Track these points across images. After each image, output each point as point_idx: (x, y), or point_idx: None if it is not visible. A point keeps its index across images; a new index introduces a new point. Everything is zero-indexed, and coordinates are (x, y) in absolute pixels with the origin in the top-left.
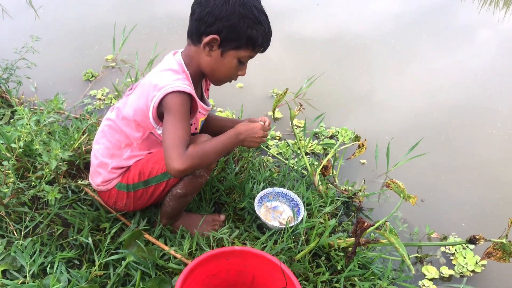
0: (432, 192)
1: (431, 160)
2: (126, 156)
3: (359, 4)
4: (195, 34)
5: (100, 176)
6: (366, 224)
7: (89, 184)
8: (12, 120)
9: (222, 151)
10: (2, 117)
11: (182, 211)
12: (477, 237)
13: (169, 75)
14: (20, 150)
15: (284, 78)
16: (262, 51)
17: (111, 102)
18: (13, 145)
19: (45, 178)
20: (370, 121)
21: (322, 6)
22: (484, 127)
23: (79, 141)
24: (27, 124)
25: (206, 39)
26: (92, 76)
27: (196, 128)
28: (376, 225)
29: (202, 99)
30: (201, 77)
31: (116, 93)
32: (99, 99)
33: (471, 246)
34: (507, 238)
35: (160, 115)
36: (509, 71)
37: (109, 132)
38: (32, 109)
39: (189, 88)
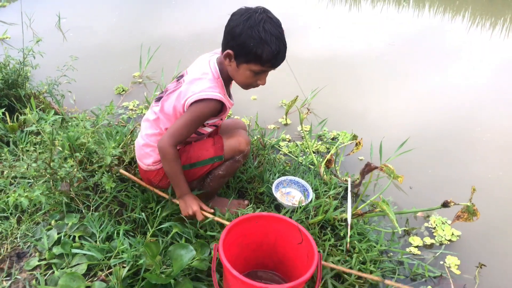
0: (420, 182)
1: (419, 157)
2: None
3: (355, 27)
4: (222, 46)
5: (151, 157)
6: (372, 165)
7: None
8: (64, 124)
9: (172, 181)
10: (54, 123)
11: (215, 194)
12: (449, 201)
13: (204, 83)
14: (89, 144)
15: (291, 92)
16: (272, 67)
17: (142, 112)
18: (83, 140)
19: (102, 169)
20: (365, 125)
21: (323, 29)
22: (466, 134)
23: (125, 141)
24: (84, 127)
25: (225, 53)
26: (123, 90)
27: (221, 119)
28: (372, 199)
29: (230, 96)
30: (230, 80)
31: (147, 104)
32: (131, 109)
33: (449, 221)
34: (470, 201)
35: None
36: (496, 87)
37: (155, 123)
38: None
39: (219, 95)
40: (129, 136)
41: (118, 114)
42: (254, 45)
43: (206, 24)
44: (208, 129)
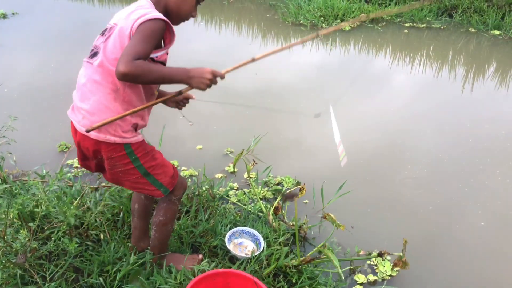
0: (360, 221)
1: (358, 197)
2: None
3: (288, 67)
4: None
5: (113, 126)
6: (291, 192)
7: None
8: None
9: (167, 77)
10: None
11: (167, 245)
12: (383, 252)
13: (145, 10)
14: (43, 213)
15: (235, 138)
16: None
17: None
18: (36, 209)
19: (59, 233)
20: (306, 166)
21: (260, 75)
22: (399, 167)
23: (76, 203)
24: (34, 194)
25: None
26: (66, 147)
27: (166, 59)
28: (318, 247)
29: None
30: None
31: None
32: (76, 167)
33: (389, 258)
34: (403, 252)
35: None
36: (420, 113)
37: (103, 76)
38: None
39: (163, 16)
40: (79, 199)
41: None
42: None
43: None
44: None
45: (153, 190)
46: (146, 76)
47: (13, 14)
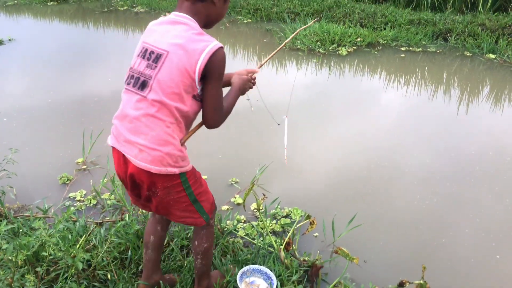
0: (373, 254)
1: (369, 228)
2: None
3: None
4: None
5: (173, 157)
6: (318, 266)
7: None
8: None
9: (234, 104)
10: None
11: (209, 270)
12: (404, 281)
13: (200, 35)
14: (50, 257)
15: (239, 167)
16: None
17: (90, 202)
18: (43, 253)
19: (69, 277)
20: (314, 195)
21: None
22: (406, 193)
23: (81, 241)
24: (41, 235)
25: None
26: (68, 179)
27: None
28: (332, 285)
29: None
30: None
31: (95, 193)
32: (79, 200)
33: None
34: (423, 279)
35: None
36: (409, 132)
37: (160, 112)
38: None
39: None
40: (84, 237)
41: (64, 206)
42: None
43: None
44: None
45: (197, 218)
46: (228, 115)
47: (9, 40)
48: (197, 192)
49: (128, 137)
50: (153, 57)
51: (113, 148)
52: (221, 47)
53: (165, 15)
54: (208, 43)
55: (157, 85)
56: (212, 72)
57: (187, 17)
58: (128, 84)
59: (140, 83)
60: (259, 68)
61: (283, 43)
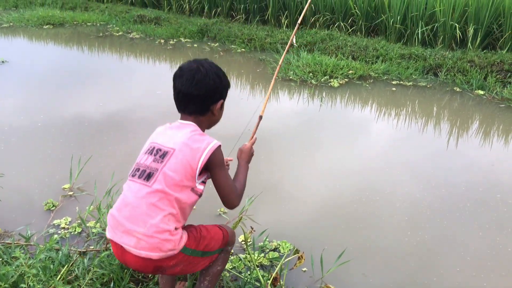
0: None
1: (358, 263)
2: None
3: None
4: (202, 109)
5: (171, 242)
6: None
7: None
8: None
9: (246, 178)
10: None
11: None
12: None
13: (201, 135)
14: None
15: None
16: None
17: (75, 230)
18: (22, 285)
19: None
20: (303, 227)
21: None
22: (397, 228)
23: (63, 272)
24: (24, 263)
25: (218, 105)
26: (53, 205)
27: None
28: None
29: None
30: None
31: (80, 220)
32: (63, 228)
33: None
34: None
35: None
36: (399, 166)
37: (161, 202)
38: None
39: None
40: (66, 267)
41: (48, 234)
42: (227, 82)
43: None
44: (202, 187)
45: (214, 256)
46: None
47: (2, 62)
48: (202, 247)
49: (127, 227)
50: (160, 153)
51: (111, 240)
52: (220, 145)
53: (170, 123)
54: (210, 142)
55: (162, 176)
56: (214, 164)
57: (191, 124)
58: (133, 176)
59: (146, 175)
60: (253, 139)
61: (273, 79)
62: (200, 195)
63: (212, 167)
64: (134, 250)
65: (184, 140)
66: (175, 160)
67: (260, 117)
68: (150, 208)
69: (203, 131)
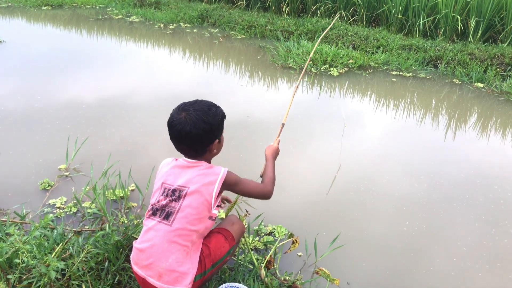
0: (356, 276)
1: (352, 250)
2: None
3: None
4: (199, 152)
5: (188, 276)
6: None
7: None
8: None
9: (274, 171)
10: None
11: None
12: None
13: (213, 169)
14: (23, 264)
15: None
16: None
17: (70, 210)
18: (16, 260)
19: (41, 286)
20: (299, 212)
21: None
22: (391, 218)
23: (58, 249)
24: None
25: (215, 144)
26: (49, 185)
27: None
28: None
29: None
30: None
31: (76, 200)
32: (59, 207)
33: None
34: None
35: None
36: (397, 157)
37: (182, 238)
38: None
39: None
40: (61, 246)
41: (43, 213)
42: (222, 117)
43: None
44: (216, 212)
45: (226, 260)
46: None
47: (0, 42)
48: (210, 264)
49: (150, 261)
50: (176, 194)
51: (135, 272)
52: (228, 171)
53: (176, 159)
54: (218, 173)
55: (180, 214)
56: (230, 185)
57: (196, 162)
58: (154, 215)
59: (165, 214)
60: (278, 139)
61: (298, 81)
62: (215, 219)
63: (231, 188)
64: (157, 282)
65: (194, 177)
66: (190, 197)
67: (283, 125)
68: (171, 245)
69: (210, 162)
